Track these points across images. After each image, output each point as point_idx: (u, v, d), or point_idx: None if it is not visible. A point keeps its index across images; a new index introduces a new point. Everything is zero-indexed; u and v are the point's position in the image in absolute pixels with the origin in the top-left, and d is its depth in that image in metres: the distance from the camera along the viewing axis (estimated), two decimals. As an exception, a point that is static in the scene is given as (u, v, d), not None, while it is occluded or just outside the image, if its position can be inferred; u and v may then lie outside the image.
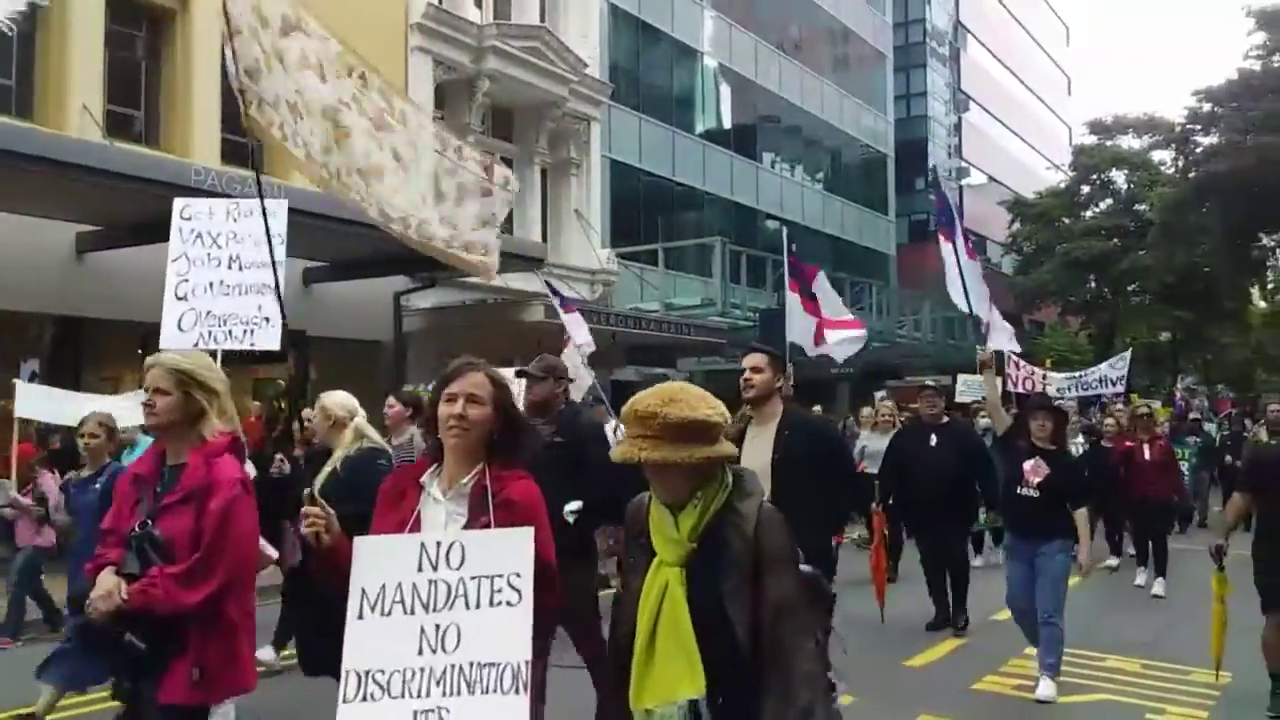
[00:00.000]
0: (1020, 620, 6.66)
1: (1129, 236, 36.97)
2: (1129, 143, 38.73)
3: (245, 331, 5.91)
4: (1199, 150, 29.64)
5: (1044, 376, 14.88)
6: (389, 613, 2.41)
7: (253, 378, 13.93)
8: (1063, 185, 40.86)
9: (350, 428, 5.37)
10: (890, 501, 8.65)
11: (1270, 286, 41.27)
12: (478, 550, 2.47)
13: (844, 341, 10.18)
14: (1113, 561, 11.20)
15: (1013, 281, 39.81)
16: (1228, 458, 15.32)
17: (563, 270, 19.17)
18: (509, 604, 2.41)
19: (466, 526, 2.63)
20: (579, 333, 11.50)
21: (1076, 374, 15.77)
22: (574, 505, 4.64)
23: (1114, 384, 14.84)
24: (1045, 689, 6.21)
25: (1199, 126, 29.75)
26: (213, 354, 5.09)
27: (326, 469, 5.12)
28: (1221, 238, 29.22)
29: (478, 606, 2.41)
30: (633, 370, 17.65)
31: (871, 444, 10.43)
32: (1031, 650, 7.26)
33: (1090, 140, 40.24)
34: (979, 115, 46.59)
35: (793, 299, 9.59)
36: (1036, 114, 54.00)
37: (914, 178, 41.09)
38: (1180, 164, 32.29)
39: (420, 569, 2.44)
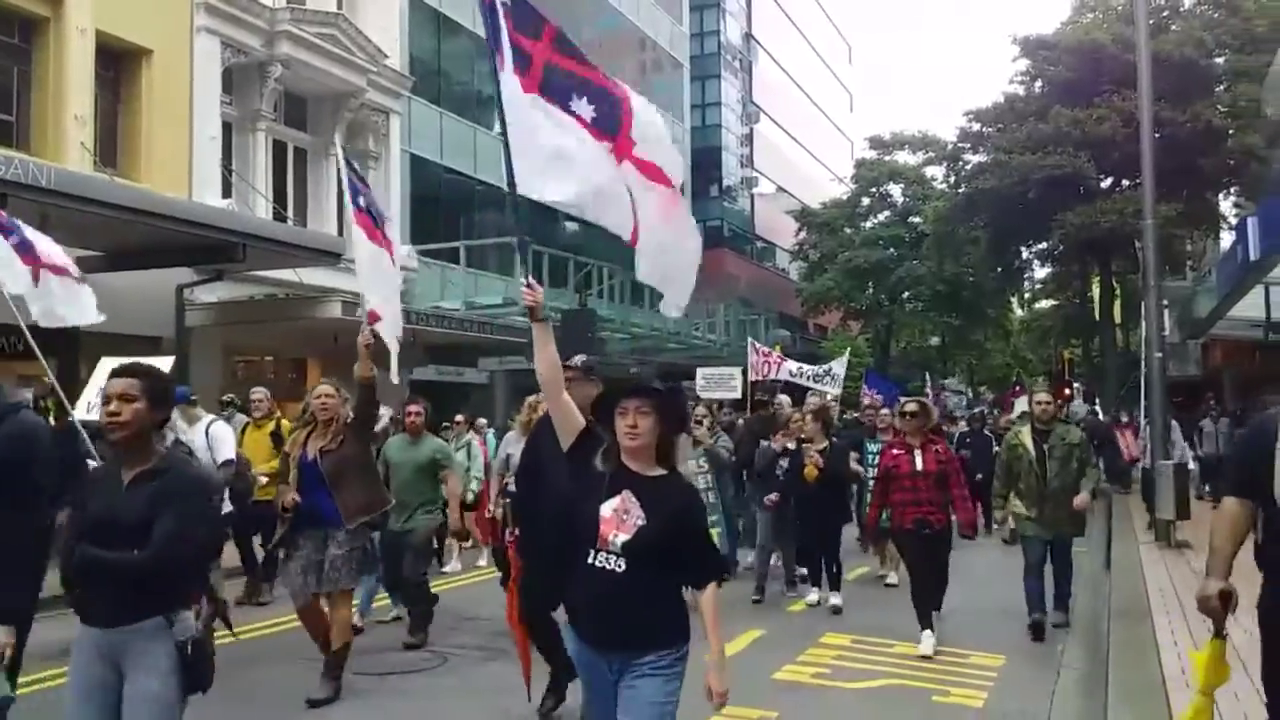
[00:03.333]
0: None
1: (904, 246, 39.46)
2: (905, 158, 41.21)
3: None
4: (968, 167, 31.66)
5: (780, 358, 15.49)
6: None
7: (15, 375, 12.72)
8: (845, 197, 42.99)
9: None
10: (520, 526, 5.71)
11: (1028, 296, 44.79)
12: None
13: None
14: (811, 597, 9.28)
15: (800, 287, 41.68)
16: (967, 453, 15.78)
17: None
18: None
19: None
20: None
21: (813, 367, 16.90)
22: None
23: (833, 381, 16.13)
24: None
25: (968, 145, 31.78)
26: None
27: None
28: (987, 249, 31.43)
29: None
30: (434, 369, 17.30)
31: (519, 452, 6.60)
32: (833, 635, 7.58)
33: (870, 155, 42.51)
34: (769, 127, 48.33)
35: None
36: (822, 128, 56.58)
37: (709, 185, 42.24)
38: (951, 180, 34.50)
39: None
